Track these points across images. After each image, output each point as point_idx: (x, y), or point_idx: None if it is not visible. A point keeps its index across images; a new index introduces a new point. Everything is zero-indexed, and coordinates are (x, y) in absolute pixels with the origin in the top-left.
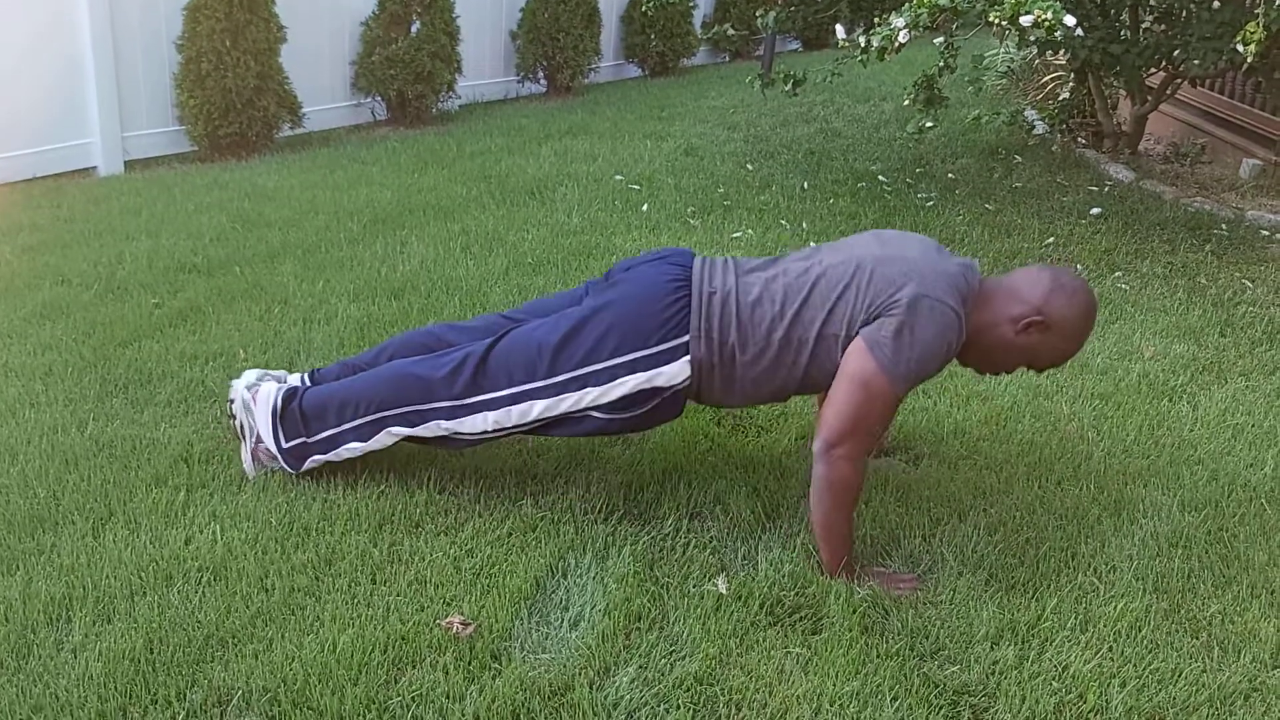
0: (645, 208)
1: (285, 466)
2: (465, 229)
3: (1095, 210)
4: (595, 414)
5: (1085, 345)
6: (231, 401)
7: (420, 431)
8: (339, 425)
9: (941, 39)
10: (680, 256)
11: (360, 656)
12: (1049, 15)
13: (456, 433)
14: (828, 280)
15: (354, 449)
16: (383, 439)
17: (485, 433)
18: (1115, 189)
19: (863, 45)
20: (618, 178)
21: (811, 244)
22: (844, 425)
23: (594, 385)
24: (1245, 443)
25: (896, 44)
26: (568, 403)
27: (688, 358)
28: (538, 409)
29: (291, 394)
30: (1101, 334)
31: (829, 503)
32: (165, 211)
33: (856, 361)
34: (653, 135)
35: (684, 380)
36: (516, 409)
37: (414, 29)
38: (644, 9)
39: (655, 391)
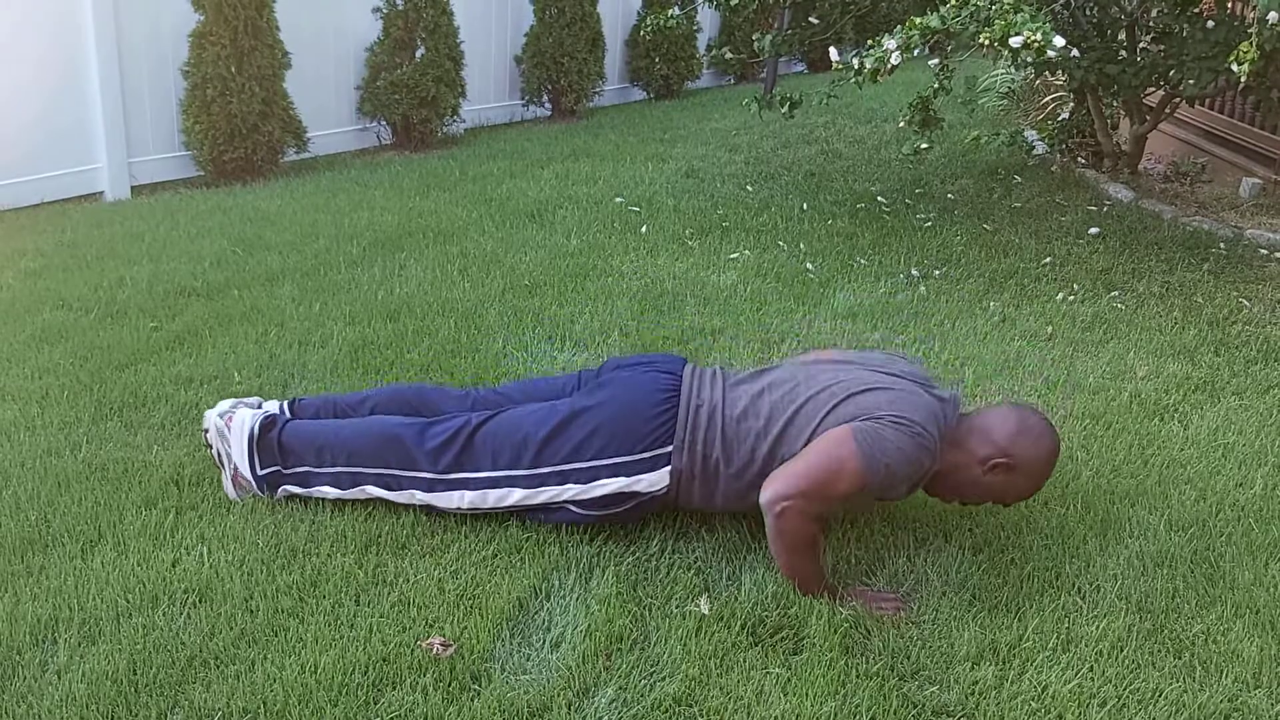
0: (644, 229)
1: (259, 492)
2: (464, 251)
3: (1093, 230)
4: (572, 508)
5: (1048, 480)
6: (206, 431)
7: (395, 498)
8: (318, 467)
9: (936, 61)
10: (671, 364)
11: (341, 678)
12: (1038, 36)
13: (431, 506)
14: (814, 403)
15: (327, 493)
16: (356, 494)
17: (459, 509)
18: (1114, 208)
19: (855, 67)
20: (618, 200)
21: (796, 357)
22: (801, 484)
23: (575, 482)
24: (1235, 462)
25: (889, 66)
26: (546, 495)
27: (669, 468)
28: (515, 496)
29: (270, 423)
30: (1095, 353)
31: (786, 552)
32: (168, 236)
33: (836, 438)
34: (654, 158)
35: (663, 488)
36: (494, 493)
37: (418, 54)
38: (642, 33)
39: (634, 495)
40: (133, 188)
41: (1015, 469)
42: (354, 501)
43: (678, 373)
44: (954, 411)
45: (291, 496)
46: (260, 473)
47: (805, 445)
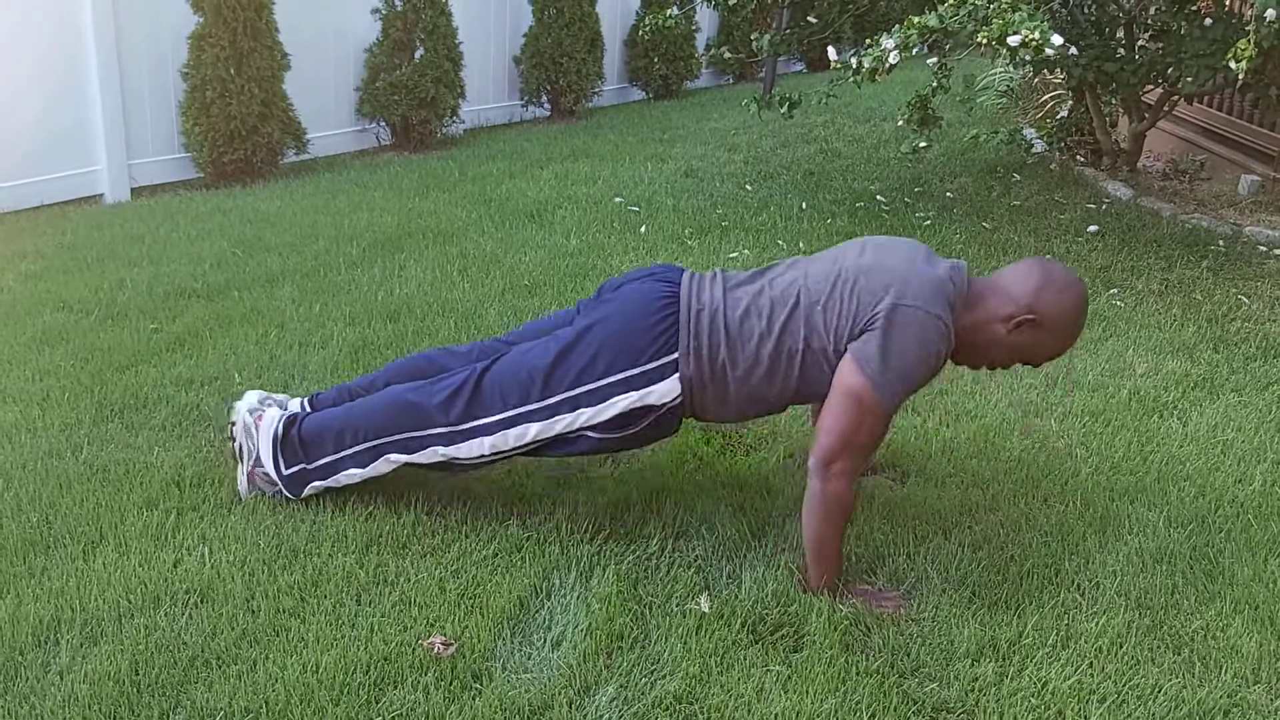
0: (643, 229)
1: (286, 493)
2: (463, 252)
3: (1092, 228)
4: (590, 434)
5: (1079, 336)
6: (233, 424)
7: (419, 458)
8: (337, 452)
9: (935, 60)
10: (668, 273)
11: (342, 677)
12: (1036, 35)
13: (454, 458)
14: (811, 293)
15: (353, 475)
16: (381, 465)
17: (483, 456)
18: (1113, 206)
19: (854, 66)
20: (617, 200)
21: (801, 255)
22: (838, 441)
23: (587, 405)
24: (1234, 458)
25: (887, 65)
26: (562, 424)
27: (677, 375)
28: (533, 431)
29: (291, 421)
30: (1094, 351)
31: (821, 519)
32: (168, 238)
33: (847, 377)
34: (654, 157)
35: (676, 398)
36: (512, 432)
37: (418, 55)
38: (641, 33)
39: (648, 410)
40: (132, 190)
41: (1041, 325)
42: (355, 501)
43: (676, 280)
44: (961, 275)
45: (316, 494)
46: (286, 473)
47: (806, 339)
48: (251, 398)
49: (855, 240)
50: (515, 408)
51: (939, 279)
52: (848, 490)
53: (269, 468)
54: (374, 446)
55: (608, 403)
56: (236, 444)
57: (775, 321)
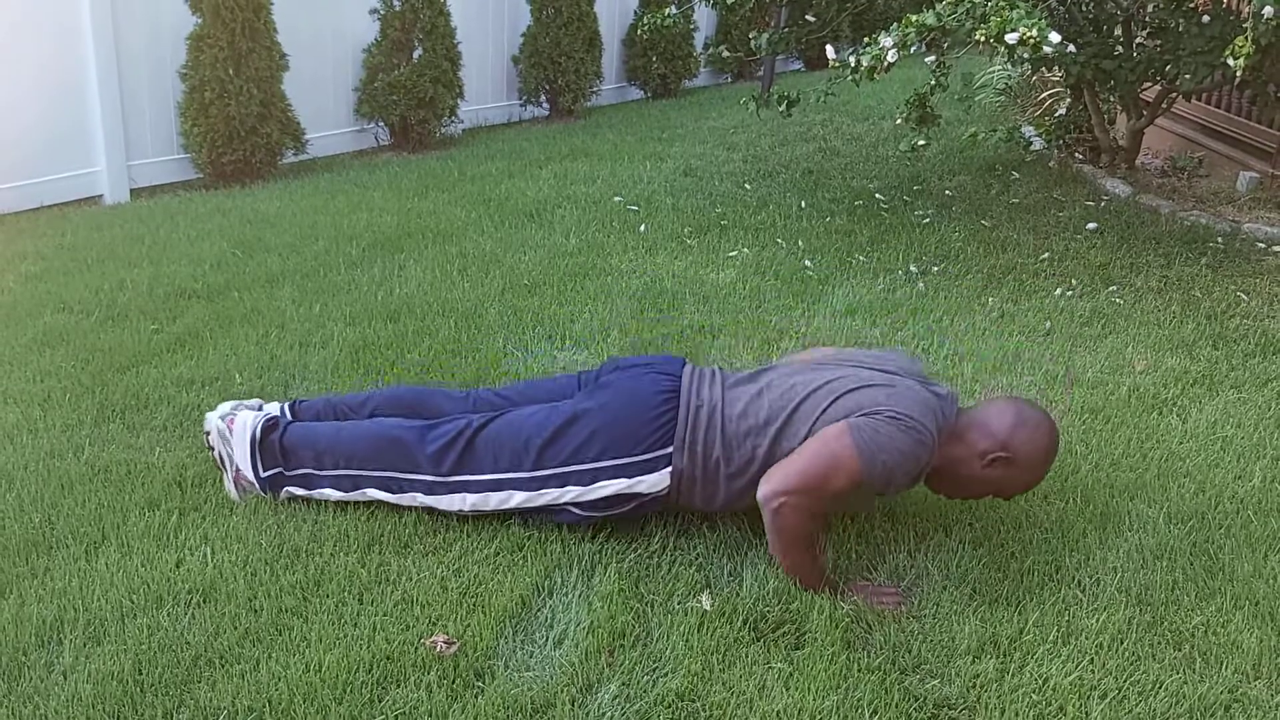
0: (643, 228)
1: (261, 493)
2: (463, 252)
3: (1091, 225)
4: (573, 509)
5: (1049, 471)
6: (207, 433)
7: (397, 500)
8: (318, 470)
9: (933, 58)
10: (670, 365)
11: (345, 676)
12: (1034, 33)
13: (433, 508)
14: (813, 400)
15: (329, 495)
16: (358, 496)
17: (460, 511)
18: (1112, 203)
19: (852, 65)
20: (616, 199)
21: (792, 355)
22: (798, 480)
23: (576, 484)
24: (1234, 455)
25: (885, 63)
26: (548, 497)
27: (669, 469)
28: (517, 499)
29: (272, 425)
30: (1094, 348)
31: (784, 549)
32: (168, 238)
33: (835, 435)
34: (652, 156)
35: (663, 489)
36: (496, 495)
37: (416, 55)
38: (640, 32)
39: (635, 496)
40: (132, 190)
41: (1014, 462)
42: (356, 502)
43: (677, 374)
44: (951, 407)
45: (293, 497)
46: (263, 474)
47: (803, 442)
48: (223, 407)
49: (859, 350)
50: (505, 472)
51: (934, 404)
52: (801, 521)
53: (245, 469)
54: (354, 475)
55: (597, 485)
56: (215, 453)
57: (772, 424)
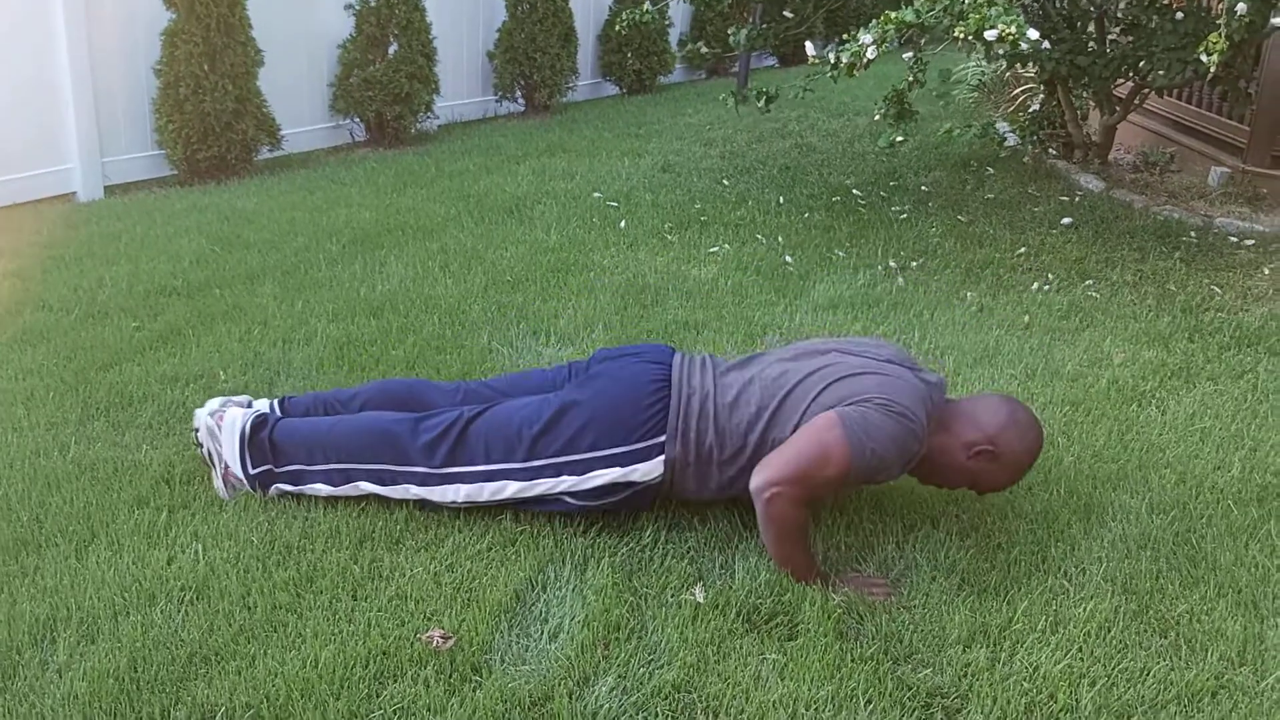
0: (623, 224)
1: (251, 490)
2: (444, 248)
3: (1066, 220)
4: (567, 499)
5: (1026, 475)
6: (196, 430)
7: (390, 493)
8: (308, 465)
9: (910, 54)
10: (660, 354)
11: (342, 671)
12: (1013, 30)
13: (426, 500)
14: (803, 387)
15: (319, 490)
16: (349, 490)
17: (454, 503)
18: (1086, 198)
19: (832, 62)
20: (596, 195)
21: (780, 346)
22: (789, 471)
23: (569, 474)
24: (1213, 445)
25: (865, 60)
26: (542, 487)
27: (663, 457)
28: (511, 489)
29: (261, 422)
30: (1072, 341)
31: (775, 538)
32: (145, 235)
33: (824, 425)
34: (630, 153)
35: (657, 477)
36: (490, 486)
37: (391, 51)
38: (618, 28)
39: (629, 485)
40: (106, 188)
41: (998, 458)
42: (346, 498)
43: (667, 362)
44: (940, 395)
45: (283, 494)
46: (252, 472)
47: (795, 429)
48: (212, 403)
49: (848, 339)
50: (498, 463)
51: (922, 391)
52: (793, 511)
53: (234, 466)
54: (346, 470)
55: (591, 474)
56: (204, 450)
57: (765, 411)
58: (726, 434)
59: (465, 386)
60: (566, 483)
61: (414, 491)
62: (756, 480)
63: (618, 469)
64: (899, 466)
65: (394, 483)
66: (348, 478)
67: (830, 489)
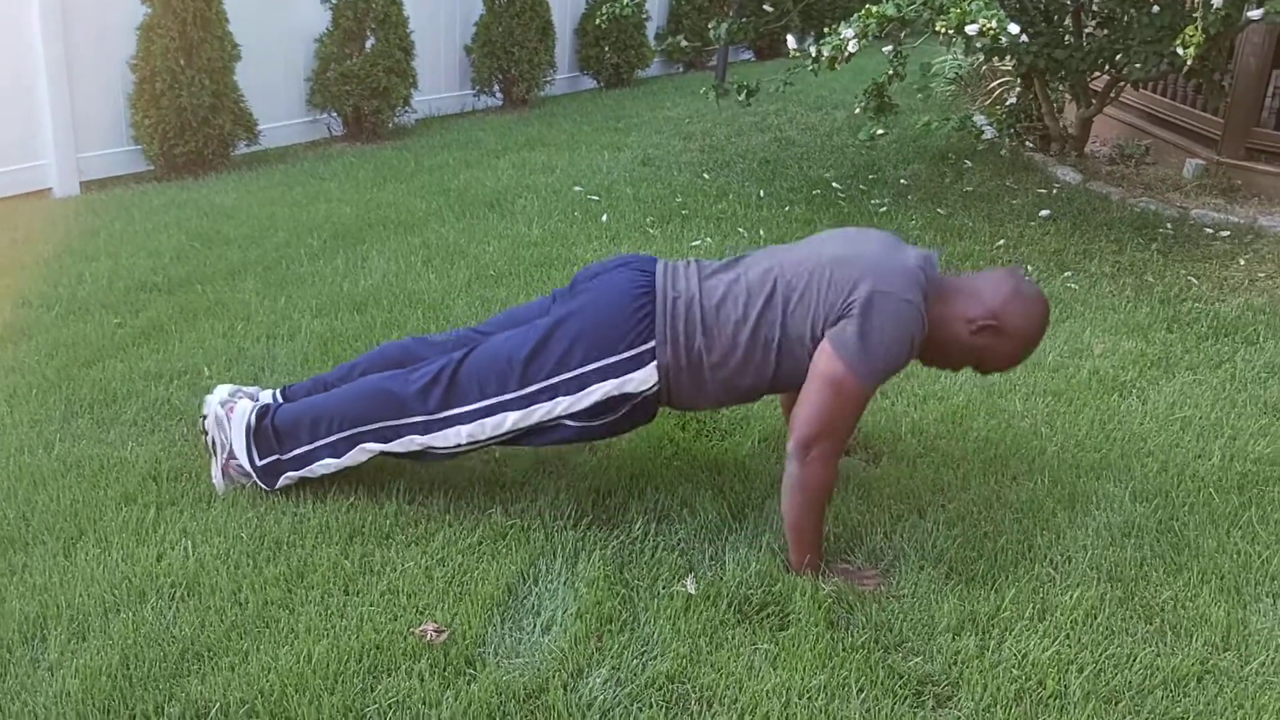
0: (605, 218)
1: (260, 484)
2: (426, 242)
3: (1044, 212)
4: (568, 422)
5: (1031, 355)
6: (204, 417)
7: (394, 447)
8: (312, 442)
9: (890, 47)
10: (643, 262)
11: (336, 666)
12: (993, 24)
13: (431, 447)
14: (788, 281)
15: (328, 465)
16: (357, 455)
17: (460, 445)
18: (1063, 191)
19: (813, 55)
20: (576, 189)
21: (769, 245)
22: (817, 426)
23: (564, 394)
24: (1193, 434)
25: (846, 53)
26: (540, 413)
27: (655, 363)
28: (510, 420)
29: (264, 411)
30: (1053, 332)
31: (800, 502)
32: (124, 231)
33: (825, 363)
34: (610, 146)
35: (653, 385)
36: (490, 421)
37: (369, 45)
38: (598, 22)
39: (626, 398)
40: (81, 183)
41: (1002, 332)
42: (335, 493)
43: (651, 270)
44: (933, 269)
45: (291, 484)
46: (260, 464)
47: (783, 326)
48: (222, 391)
49: (828, 231)
50: (493, 397)
51: (912, 268)
52: (827, 473)
53: (242, 459)
54: (349, 436)
55: (586, 390)
56: (209, 438)
57: (752, 310)
58: (715, 334)
59: (456, 333)
60: (564, 403)
61: (418, 441)
62: (792, 445)
63: (612, 380)
64: (908, 355)
65: (397, 437)
66: (352, 443)
67: (856, 420)
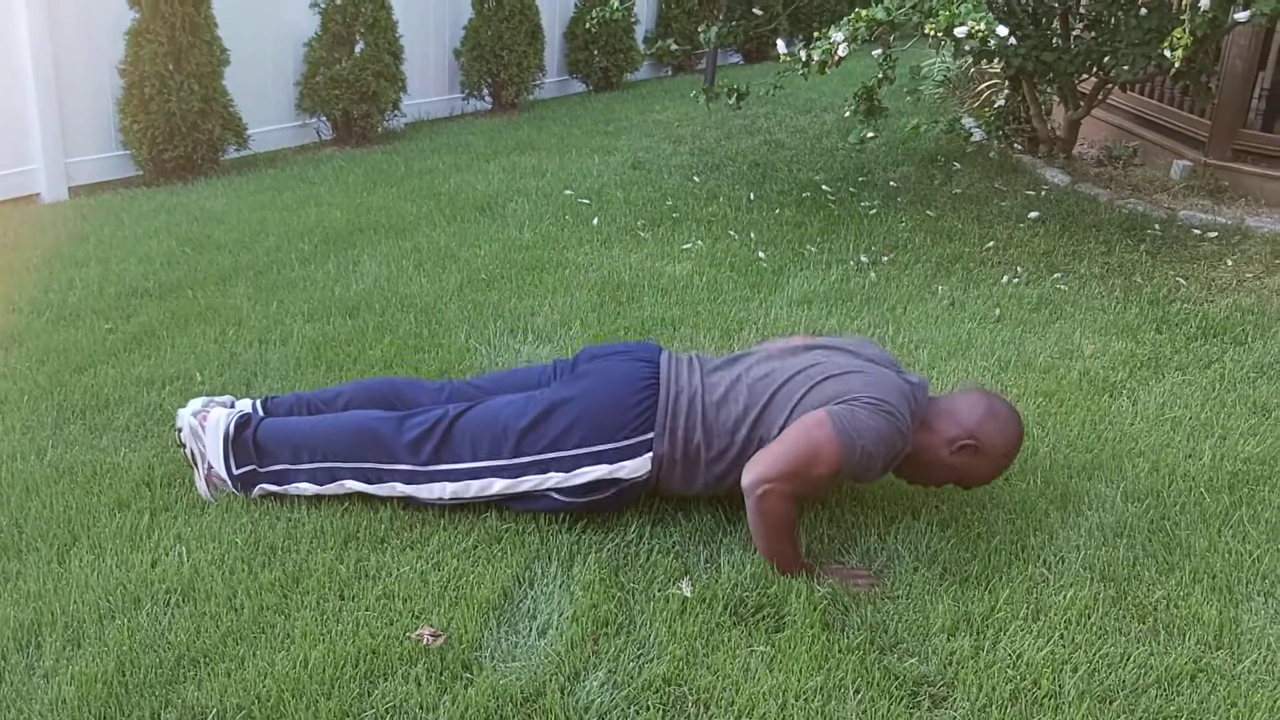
0: (596, 221)
1: (235, 491)
2: (417, 246)
3: (1033, 214)
4: (555, 495)
5: (1010, 466)
6: (179, 430)
7: (376, 490)
8: (293, 464)
9: (880, 51)
10: (648, 353)
11: (332, 671)
12: (982, 26)
13: (413, 498)
14: (791, 385)
15: (304, 489)
16: (335, 488)
17: (441, 499)
18: (1052, 193)
19: (803, 59)
20: (567, 192)
21: (767, 343)
22: (780, 468)
23: (556, 471)
24: (1184, 434)
25: (836, 57)
26: (529, 484)
27: (650, 454)
28: (497, 486)
29: (244, 422)
30: (1043, 334)
31: (764, 535)
32: (114, 236)
33: (814, 422)
34: (600, 150)
35: (644, 474)
36: (476, 483)
37: (358, 49)
38: (587, 25)
39: (616, 481)
40: (70, 189)
41: (980, 451)
42: (330, 498)
43: (655, 360)
44: (923, 395)
45: (266, 495)
46: (236, 472)
47: (783, 428)
48: (194, 404)
49: (830, 337)
50: (484, 460)
51: (906, 391)
52: (785, 506)
53: (218, 466)
54: (332, 469)
55: (578, 470)
56: (187, 450)
57: (752, 409)
58: (714, 432)
59: (449, 385)
60: (554, 479)
61: (400, 489)
62: (748, 477)
63: (605, 465)
64: (885, 464)
65: (380, 481)
66: (333, 476)
67: (820, 486)
